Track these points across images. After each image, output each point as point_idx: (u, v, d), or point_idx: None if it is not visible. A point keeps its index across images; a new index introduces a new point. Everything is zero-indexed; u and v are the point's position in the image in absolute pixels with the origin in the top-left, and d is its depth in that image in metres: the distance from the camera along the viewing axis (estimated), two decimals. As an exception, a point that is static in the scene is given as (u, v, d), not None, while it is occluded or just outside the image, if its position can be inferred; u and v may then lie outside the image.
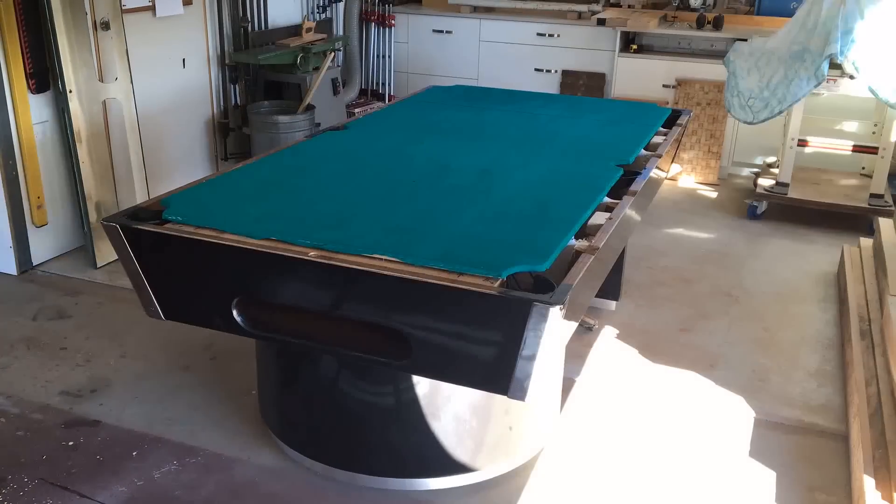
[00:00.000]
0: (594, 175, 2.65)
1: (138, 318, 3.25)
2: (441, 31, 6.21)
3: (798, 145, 4.62)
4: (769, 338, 3.39)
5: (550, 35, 5.85)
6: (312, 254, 2.00)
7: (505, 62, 5.99)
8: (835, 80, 4.25)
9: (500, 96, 3.96)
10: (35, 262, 3.89)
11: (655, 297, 3.74)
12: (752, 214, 4.73)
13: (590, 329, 3.37)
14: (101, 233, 3.64)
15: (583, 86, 5.82)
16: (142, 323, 3.27)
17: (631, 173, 2.70)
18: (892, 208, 4.41)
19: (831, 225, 4.59)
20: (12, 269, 3.81)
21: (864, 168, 5.00)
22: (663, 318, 3.54)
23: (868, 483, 2.30)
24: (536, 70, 5.94)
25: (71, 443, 2.60)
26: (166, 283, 2.26)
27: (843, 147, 4.80)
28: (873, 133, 4.84)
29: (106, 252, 3.80)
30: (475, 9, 6.19)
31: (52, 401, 2.84)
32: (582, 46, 5.78)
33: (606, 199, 2.49)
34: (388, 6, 6.29)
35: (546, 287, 1.84)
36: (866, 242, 3.86)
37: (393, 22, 6.32)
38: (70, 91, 3.69)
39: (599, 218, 2.33)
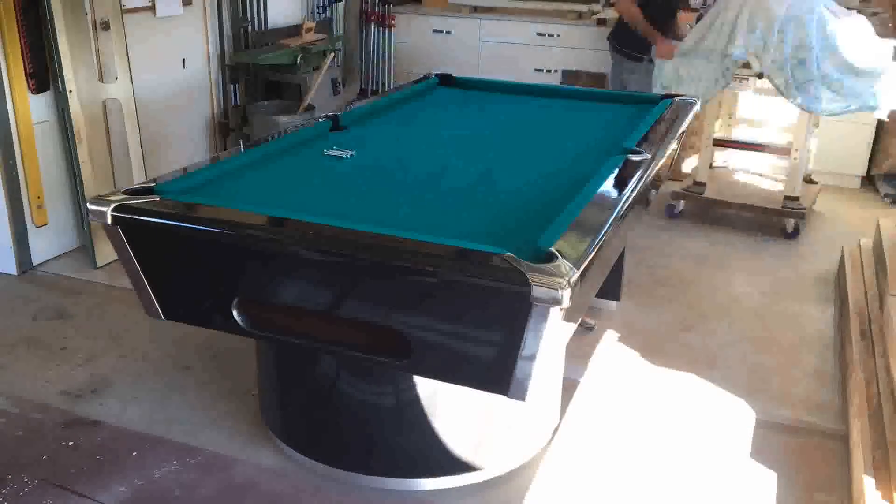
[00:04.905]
0: (595, 161, 2.66)
1: (138, 318, 3.26)
2: (441, 31, 6.21)
3: (714, 145, 4.67)
4: (769, 338, 3.40)
5: (550, 35, 5.85)
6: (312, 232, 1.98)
7: (505, 62, 6.00)
8: (746, 80, 4.32)
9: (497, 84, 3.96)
10: (35, 262, 3.89)
11: (655, 297, 3.74)
12: (670, 214, 4.73)
13: (590, 329, 3.37)
14: (101, 233, 3.63)
15: (583, 86, 5.82)
16: (142, 323, 3.27)
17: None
18: (804, 211, 4.42)
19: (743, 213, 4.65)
20: (12, 269, 3.80)
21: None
22: (663, 318, 3.54)
23: (868, 483, 2.30)
24: (536, 70, 5.94)
25: (71, 443, 2.60)
26: (166, 283, 2.26)
27: (757, 148, 4.78)
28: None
29: (106, 252, 3.80)
30: (475, 9, 6.20)
31: (52, 401, 2.84)
32: (582, 46, 5.78)
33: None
34: (388, 6, 6.29)
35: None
36: (866, 242, 3.86)
37: (393, 22, 6.32)
38: (70, 91, 3.69)
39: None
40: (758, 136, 5.08)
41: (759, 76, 4.19)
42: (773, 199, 4.60)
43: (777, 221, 4.53)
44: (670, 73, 4.44)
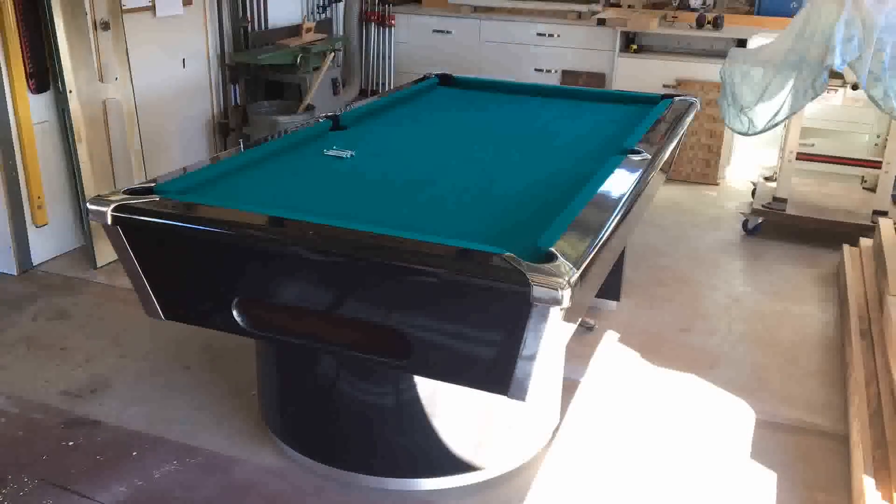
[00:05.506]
0: (595, 161, 2.66)
1: (138, 318, 3.26)
2: (441, 32, 6.21)
3: (797, 159, 4.39)
4: (769, 338, 3.40)
5: (550, 35, 5.85)
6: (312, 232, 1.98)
7: (505, 62, 5.99)
8: (835, 91, 4.08)
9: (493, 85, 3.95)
10: (35, 262, 3.89)
11: (655, 297, 3.74)
12: (747, 230, 4.56)
13: (590, 329, 3.37)
14: (101, 233, 3.63)
15: (583, 86, 5.82)
16: (142, 323, 3.27)
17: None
18: None
19: (832, 228, 4.52)
20: (12, 269, 3.81)
21: (864, 180, 4.80)
22: (663, 318, 3.54)
23: (868, 483, 2.30)
24: (536, 70, 5.94)
25: (71, 443, 2.60)
26: (166, 283, 2.26)
27: (844, 160, 4.54)
28: (875, 145, 4.68)
29: (106, 252, 3.80)
30: (475, 9, 6.19)
31: (52, 401, 2.84)
32: (582, 46, 5.78)
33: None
34: (388, 6, 6.29)
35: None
36: (866, 242, 3.86)
37: (393, 22, 6.32)
38: (70, 91, 3.69)
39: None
40: (838, 149, 4.73)
41: (855, 87, 3.95)
42: (859, 215, 4.37)
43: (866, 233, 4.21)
44: (745, 83, 4.16)
